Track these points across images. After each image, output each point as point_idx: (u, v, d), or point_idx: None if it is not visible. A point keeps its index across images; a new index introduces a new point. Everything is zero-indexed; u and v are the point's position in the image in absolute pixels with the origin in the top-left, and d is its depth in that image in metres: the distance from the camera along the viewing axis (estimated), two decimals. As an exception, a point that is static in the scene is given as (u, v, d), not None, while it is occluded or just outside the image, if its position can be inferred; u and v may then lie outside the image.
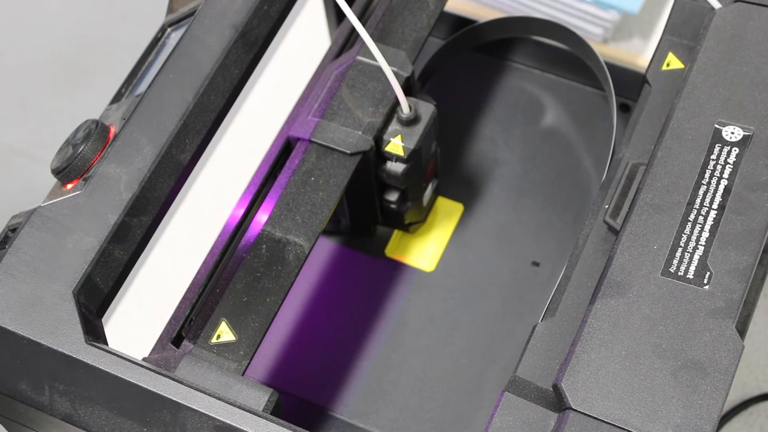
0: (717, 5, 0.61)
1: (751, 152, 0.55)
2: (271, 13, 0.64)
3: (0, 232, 0.59)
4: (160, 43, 0.65)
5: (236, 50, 0.62)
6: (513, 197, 0.80)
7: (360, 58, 0.68)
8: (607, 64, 0.75)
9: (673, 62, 0.64)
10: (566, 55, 0.83)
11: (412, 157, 0.67)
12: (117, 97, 0.63)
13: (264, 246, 0.62)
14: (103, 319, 0.57)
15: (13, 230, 0.58)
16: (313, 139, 0.65)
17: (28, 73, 1.66)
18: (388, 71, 0.64)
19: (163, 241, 0.89)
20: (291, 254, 0.62)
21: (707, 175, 0.55)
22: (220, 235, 0.65)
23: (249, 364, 0.58)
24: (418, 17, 0.70)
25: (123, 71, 0.72)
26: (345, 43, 0.73)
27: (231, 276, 0.61)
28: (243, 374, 0.57)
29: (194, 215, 0.91)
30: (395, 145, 0.67)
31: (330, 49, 0.73)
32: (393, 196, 0.72)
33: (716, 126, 0.57)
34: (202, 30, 0.62)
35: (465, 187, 0.80)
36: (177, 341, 0.60)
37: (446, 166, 0.81)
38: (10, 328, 0.53)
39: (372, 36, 0.69)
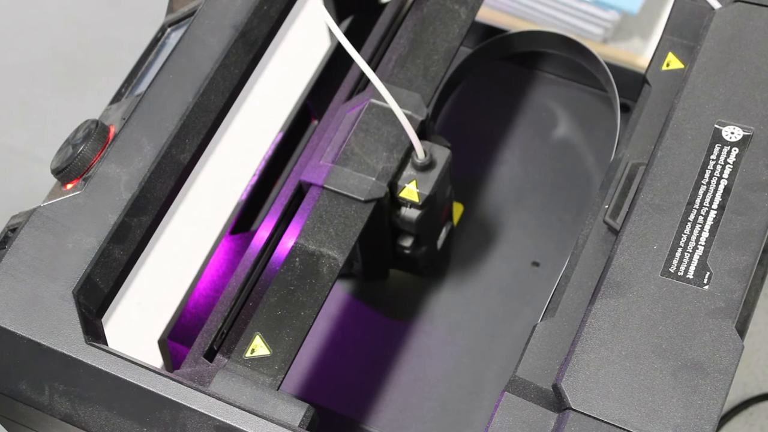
0: (717, 5, 0.61)
1: (751, 152, 0.55)
2: (271, 13, 0.64)
3: (0, 232, 0.59)
4: (160, 43, 0.65)
5: (236, 50, 0.62)
6: (513, 197, 0.80)
7: (374, 101, 0.66)
8: (607, 64, 0.75)
9: (673, 62, 0.64)
10: (565, 56, 0.83)
11: (427, 203, 0.65)
12: (117, 97, 0.63)
13: (297, 259, 0.61)
14: (103, 319, 0.57)
15: (13, 230, 0.58)
16: (325, 185, 0.64)
17: (28, 73, 1.66)
18: (401, 116, 0.62)
19: (163, 241, 0.89)
20: (325, 267, 0.61)
21: (707, 175, 0.55)
22: (250, 249, 0.64)
23: (284, 378, 0.57)
24: (450, 27, 0.69)
25: (123, 71, 0.72)
26: (358, 81, 0.71)
27: (264, 289, 0.60)
28: (278, 389, 0.57)
29: (194, 215, 0.90)
30: (410, 191, 0.65)
31: (341, 89, 0.71)
32: (407, 242, 0.70)
33: (716, 126, 0.57)
34: (202, 30, 0.62)
35: (465, 187, 0.80)
36: (209, 355, 0.59)
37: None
38: (10, 328, 0.53)
39: (400, 50, 0.68)
